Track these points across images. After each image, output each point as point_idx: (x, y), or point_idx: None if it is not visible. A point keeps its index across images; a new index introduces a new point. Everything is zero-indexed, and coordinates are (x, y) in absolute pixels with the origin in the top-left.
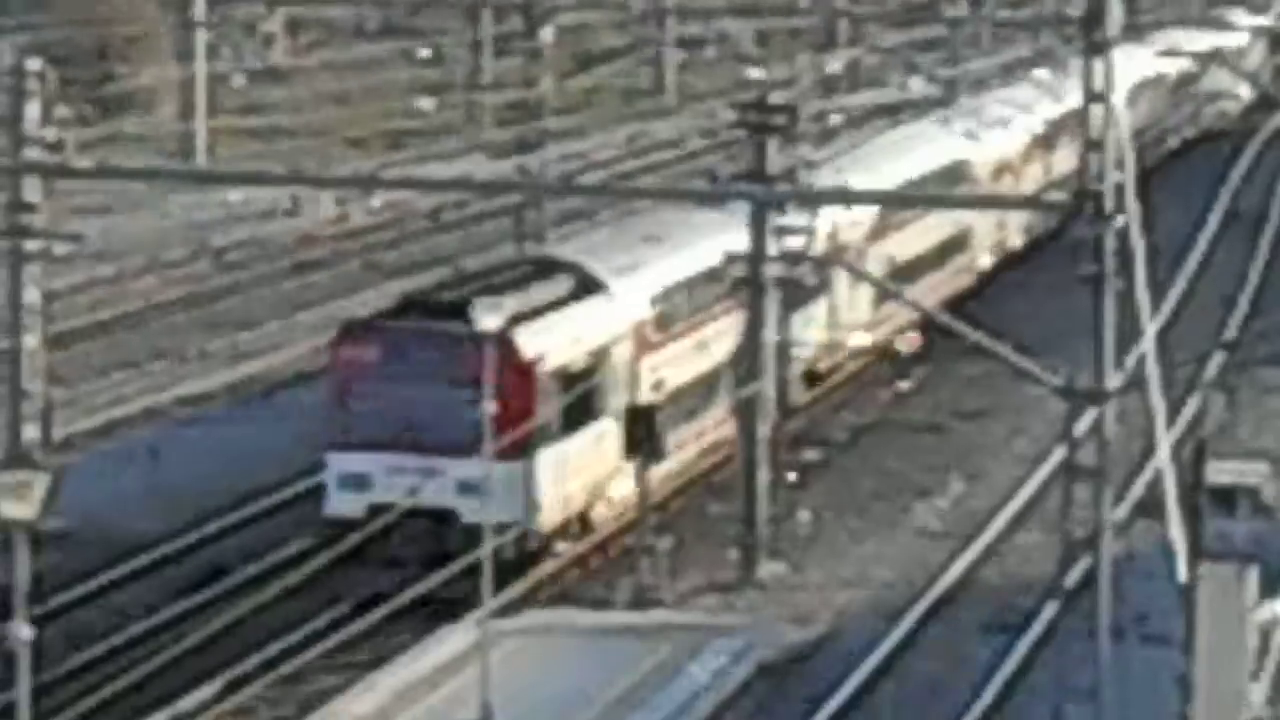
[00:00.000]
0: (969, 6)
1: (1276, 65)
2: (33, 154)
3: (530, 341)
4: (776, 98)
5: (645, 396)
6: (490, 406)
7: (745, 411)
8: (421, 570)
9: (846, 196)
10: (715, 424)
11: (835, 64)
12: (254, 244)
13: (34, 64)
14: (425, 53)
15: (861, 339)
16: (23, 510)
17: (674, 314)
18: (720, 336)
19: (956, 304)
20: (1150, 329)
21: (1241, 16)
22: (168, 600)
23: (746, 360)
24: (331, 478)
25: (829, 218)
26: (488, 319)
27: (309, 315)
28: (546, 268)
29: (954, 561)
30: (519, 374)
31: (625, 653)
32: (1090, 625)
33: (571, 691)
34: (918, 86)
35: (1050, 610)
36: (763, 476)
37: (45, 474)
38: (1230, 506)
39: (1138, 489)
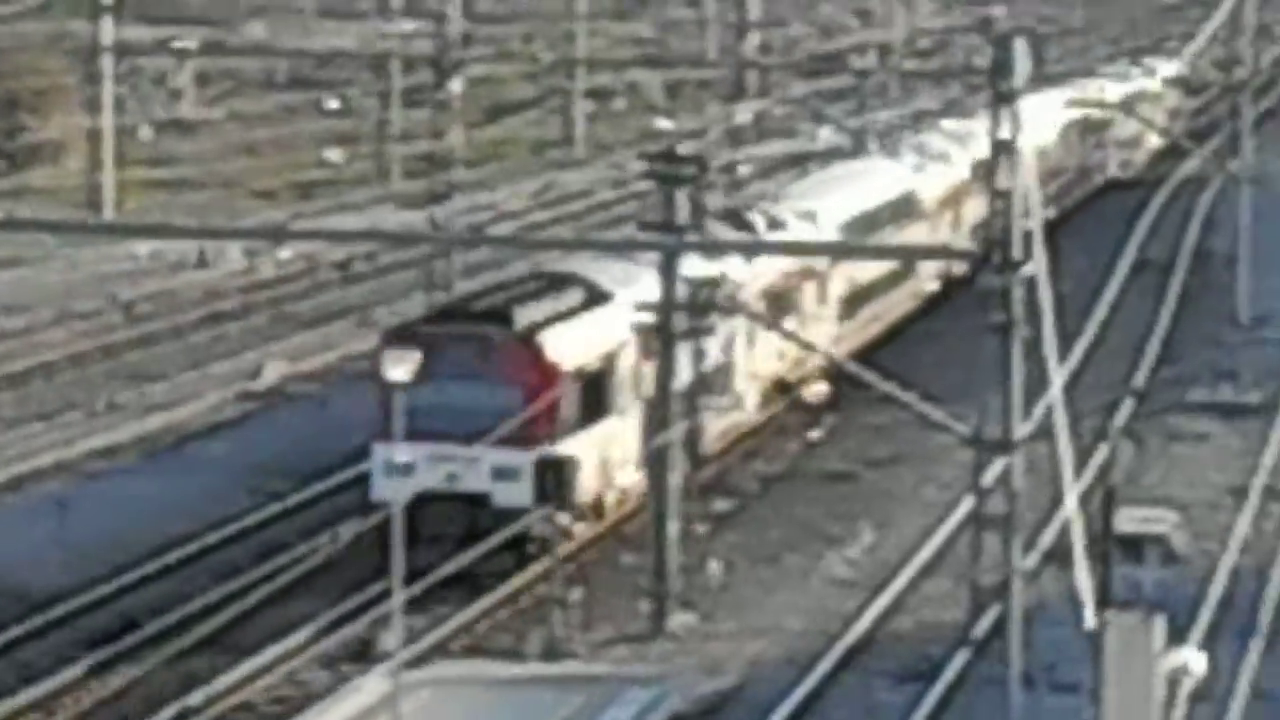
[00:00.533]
0: (877, 57)
1: (1185, 114)
2: None
3: (554, 344)
4: (685, 148)
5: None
6: (521, 401)
7: (656, 462)
8: (457, 548)
9: (754, 247)
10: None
11: (744, 115)
12: (163, 296)
13: None
14: (334, 104)
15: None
16: None
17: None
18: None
19: (902, 327)
20: (1057, 378)
21: (1149, 66)
22: (78, 653)
23: (658, 410)
24: (377, 466)
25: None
26: (519, 323)
27: (221, 367)
28: (559, 280)
29: (865, 610)
30: (545, 373)
31: (537, 704)
32: (1001, 674)
33: None
34: (826, 137)
35: (961, 659)
36: (673, 527)
37: None
38: (1139, 554)
39: (1047, 537)
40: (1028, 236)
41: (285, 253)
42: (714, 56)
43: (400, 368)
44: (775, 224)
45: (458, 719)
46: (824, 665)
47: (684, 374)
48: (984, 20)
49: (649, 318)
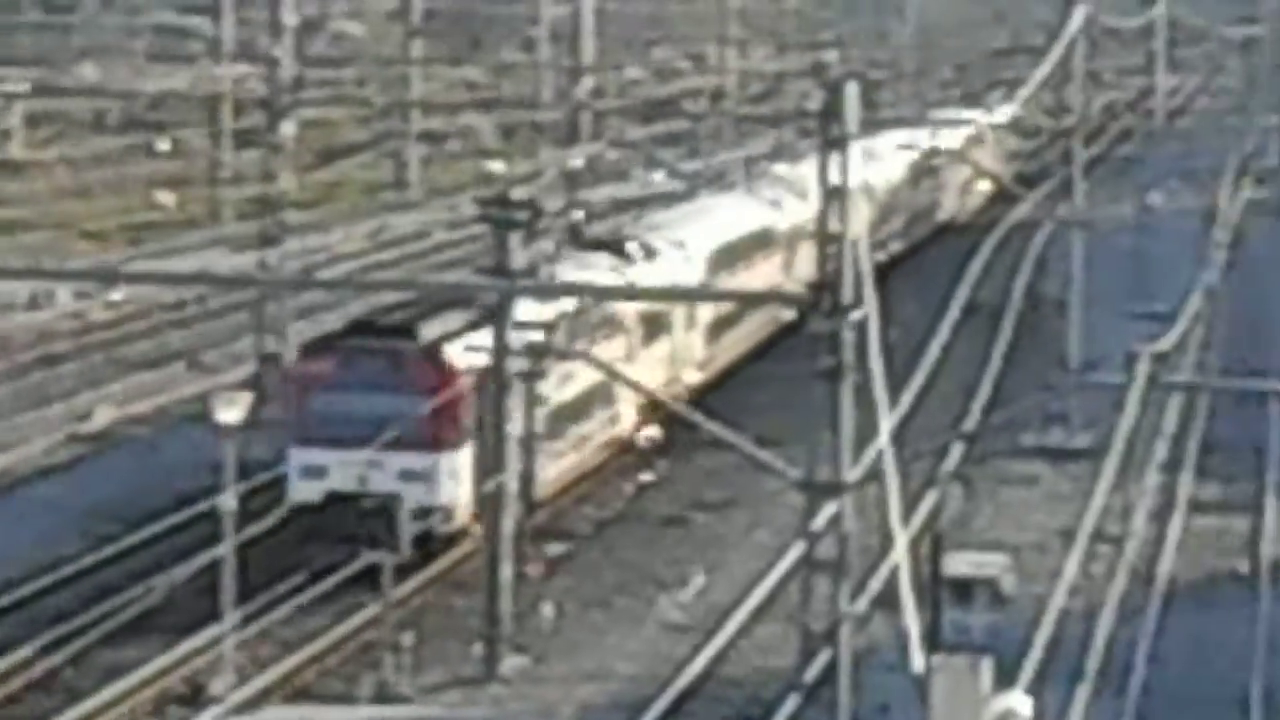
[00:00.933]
0: (709, 102)
1: (1018, 158)
2: None
3: (456, 355)
4: (519, 193)
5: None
6: (426, 408)
7: (490, 505)
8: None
9: (585, 290)
10: (594, 431)
11: (577, 159)
12: None
13: None
14: (165, 146)
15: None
16: None
17: (563, 340)
18: (602, 355)
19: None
20: (886, 422)
21: (982, 111)
22: None
23: (492, 453)
24: (293, 469)
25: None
26: (424, 337)
27: (51, 409)
28: (461, 299)
29: (697, 655)
30: (447, 382)
31: None
32: (831, 718)
33: None
34: (660, 181)
35: (791, 703)
36: (506, 571)
37: None
38: (968, 597)
39: (877, 581)
40: (857, 281)
41: (116, 295)
42: (548, 100)
43: (230, 410)
44: (650, 252)
45: None
46: (655, 710)
47: (518, 418)
48: (816, 65)
49: (539, 336)
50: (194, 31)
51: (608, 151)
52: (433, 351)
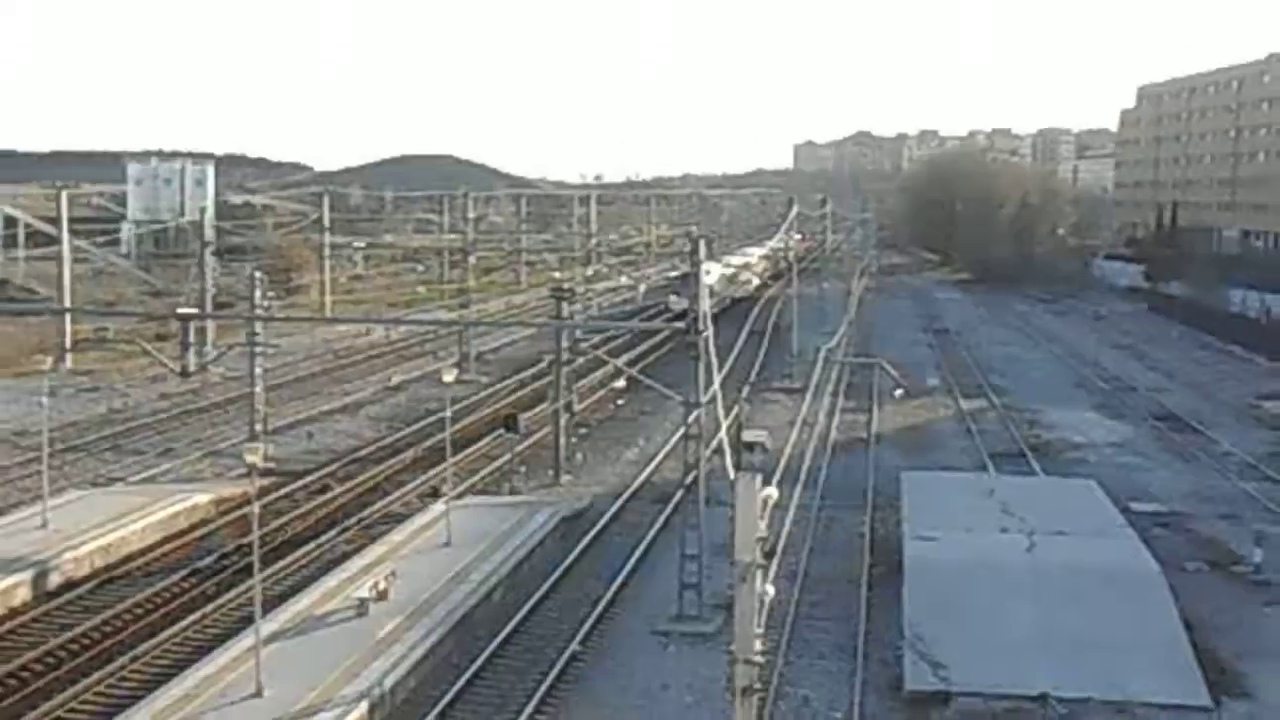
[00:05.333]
0: (644, 247)
1: (770, 269)
2: None
3: None
4: (565, 284)
5: None
6: None
7: (554, 416)
8: None
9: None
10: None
11: (589, 271)
12: None
13: None
14: (420, 268)
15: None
16: None
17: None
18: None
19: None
20: (716, 377)
21: (757, 249)
22: None
23: None
24: None
25: None
26: None
27: (376, 376)
28: None
29: (641, 473)
30: None
31: (509, 513)
32: (695, 501)
33: None
34: (625, 281)
35: (678, 495)
36: (561, 438)
37: None
38: (751, 449)
39: (716, 443)
40: (704, 318)
41: (398, 330)
42: (577, 247)
43: (448, 375)
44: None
45: (473, 520)
46: (624, 496)
47: None
48: (688, 231)
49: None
50: (432, 221)
51: (603, 268)
52: None
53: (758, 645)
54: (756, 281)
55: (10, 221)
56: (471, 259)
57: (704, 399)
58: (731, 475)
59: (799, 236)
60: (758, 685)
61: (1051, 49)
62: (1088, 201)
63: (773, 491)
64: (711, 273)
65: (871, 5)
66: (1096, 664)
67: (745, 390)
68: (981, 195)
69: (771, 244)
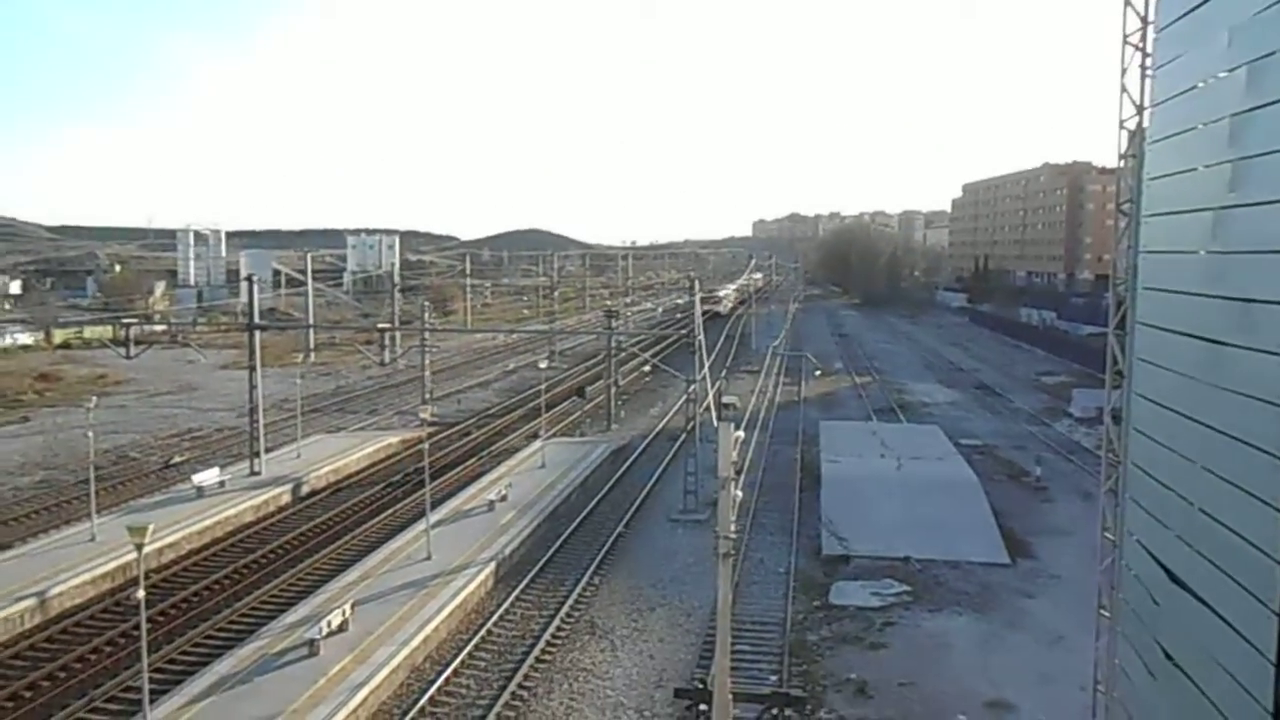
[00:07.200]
0: (661, 285)
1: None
2: None
3: None
4: (613, 308)
5: None
6: None
7: (607, 392)
8: None
9: (615, 333)
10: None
11: (627, 299)
12: None
13: None
14: (525, 298)
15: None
16: None
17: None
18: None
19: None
20: (705, 365)
21: (732, 284)
22: None
23: None
24: None
25: None
26: None
27: (497, 365)
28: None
29: (659, 424)
30: None
31: (581, 448)
32: (693, 443)
33: None
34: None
35: (682, 437)
36: (612, 398)
37: None
38: (728, 407)
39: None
40: (698, 326)
41: (513, 336)
42: (620, 282)
43: (542, 362)
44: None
45: (558, 452)
46: (649, 438)
47: None
48: (686, 275)
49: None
50: (531, 270)
51: (635, 298)
52: None
53: (732, 528)
54: (730, 304)
55: (276, 273)
56: (555, 294)
57: (697, 377)
58: (715, 424)
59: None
60: (732, 552)
61: (909, 161)
62: (932, 255)
63: (741, 434)
64: (703, 297)
65: (804, 134)
66: (939, 538)
67: (724, 371)
68: (866, 251)
69: (739, 282)
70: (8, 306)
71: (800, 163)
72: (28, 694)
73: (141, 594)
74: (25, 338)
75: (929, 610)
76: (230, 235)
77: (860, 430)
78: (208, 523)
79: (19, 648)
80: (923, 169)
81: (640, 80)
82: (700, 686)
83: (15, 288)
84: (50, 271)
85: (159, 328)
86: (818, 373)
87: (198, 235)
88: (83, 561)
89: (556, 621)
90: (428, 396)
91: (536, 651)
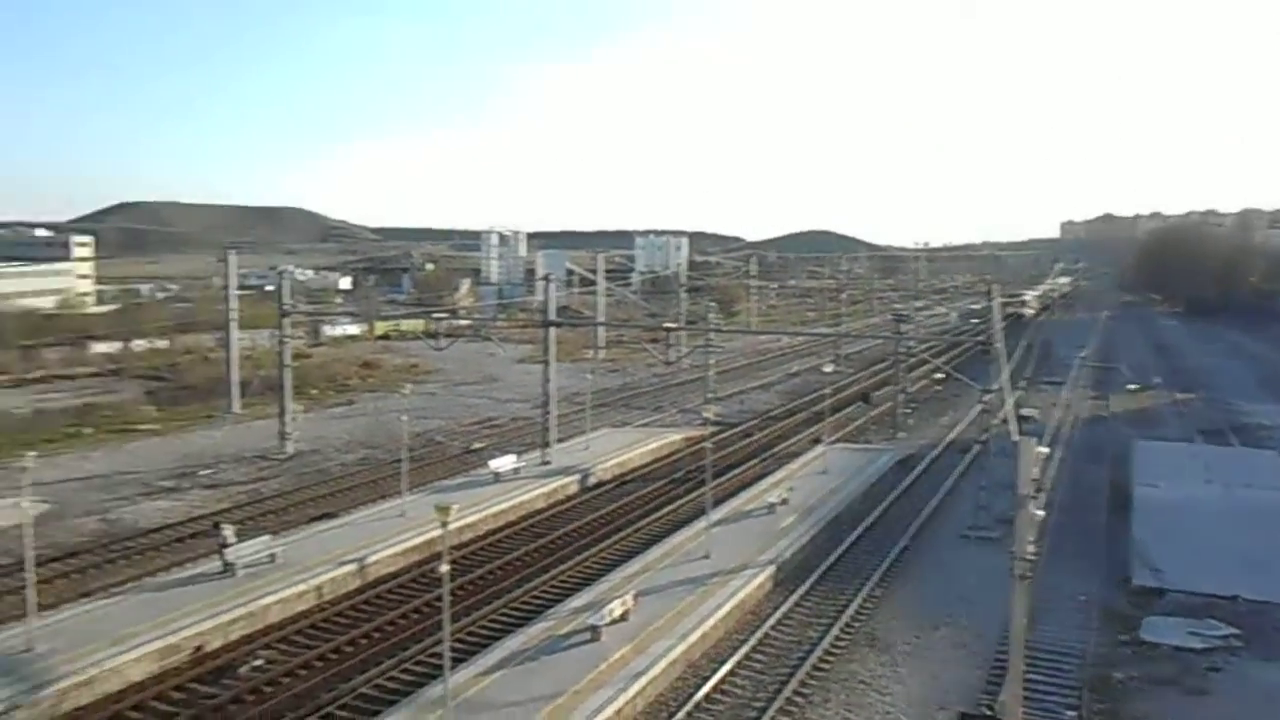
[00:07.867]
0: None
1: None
2: None
3: None
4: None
5: None
6: None
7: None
8: None
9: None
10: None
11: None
12: None
13: None
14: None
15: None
16: None
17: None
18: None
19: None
20: (1005, 373)
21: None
22: None
23: None
24: None
25: None
26: None
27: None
28: None
29: (947, 437)
30: None
31: (866, 455)
32: (985, 451)
33: None
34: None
35: (975, 452)
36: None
37: None
38: (1028, 421)
39: (1004, 415)
40: (998, 334)
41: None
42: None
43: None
44: None
45: (841, 458)
46: (939, 448)
47: None
48: (983, 278)
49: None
50: (818, 271)
51: (928, 302)
52: None
53: (1030, 548)
54: (1033, 310)
55: (569, 273)
56: (842, 295)
57: (994, 386)
58: (1015, 438)
59: (1064, 281)
60: (1029, 574)
61: (1249, 153)
62: (1276, 258)
63: (1044, 449)
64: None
65: (1120, 127)
66: (1278, 578)
67: (1023, 382)
68: (1193, 253)
69: (1043, 287)
70: (339, 300)
71: (1114, 158)
72: (349, 649)
73: (445, 568)
74: (353, 329)
75: (1263, 659)
76: (529, 236)
77: (1181, 451)
78: (503, 506)
79: (342, 606)
80: (1268, 161)
81: (948, 78)
82: (989, 713)
83: (345, 283)
84: (373, 269)
85: (464, 322)
86: (1131, 387)
87: (500, 236)
88: (395, 534)
89: (835, 630)
90: (711, 396)
91: (814, 659)
